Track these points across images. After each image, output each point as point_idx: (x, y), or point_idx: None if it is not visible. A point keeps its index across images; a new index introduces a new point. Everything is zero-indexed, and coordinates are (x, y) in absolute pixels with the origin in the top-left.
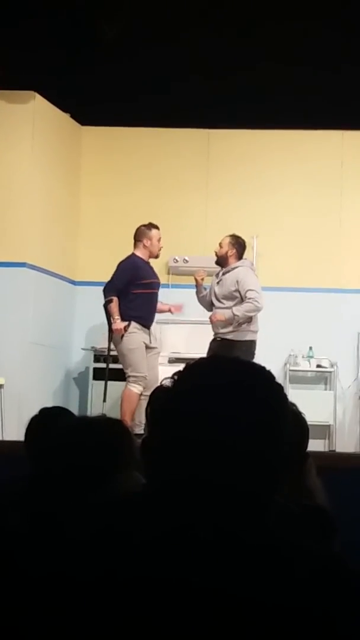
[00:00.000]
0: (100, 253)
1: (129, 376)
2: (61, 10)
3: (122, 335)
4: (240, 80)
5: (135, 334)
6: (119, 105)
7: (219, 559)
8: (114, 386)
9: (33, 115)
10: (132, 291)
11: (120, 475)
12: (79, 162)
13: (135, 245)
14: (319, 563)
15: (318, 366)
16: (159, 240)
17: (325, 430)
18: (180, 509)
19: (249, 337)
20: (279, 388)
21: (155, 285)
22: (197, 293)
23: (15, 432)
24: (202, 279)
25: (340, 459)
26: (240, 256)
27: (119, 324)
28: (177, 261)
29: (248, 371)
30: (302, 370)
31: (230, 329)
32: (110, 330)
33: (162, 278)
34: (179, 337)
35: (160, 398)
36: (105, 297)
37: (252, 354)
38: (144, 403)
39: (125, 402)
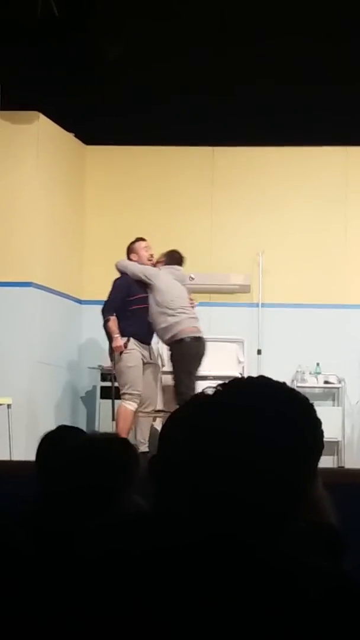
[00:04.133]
0: (106, 272)
1: (124, 393)
2: (64, 30)
3: (121, 353)
4: (244, 97)
5: (133, 351)
6: (122, 124)
7: (231, 579)
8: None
9: (37, 135)
10: (129, 308)
11: (124, 497)
12: (83, 181)
13: None
14: (329, 581)
15: (325, 382)
16: (145, 249)
17: (333, 447)
18: (198, 527)
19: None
20: (315, 417)
21: (145, 300)
22: None
23: (23, 451)
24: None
25: (349, 475)
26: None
27: (119, 341)
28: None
29: (288, 397)
30: (309, 386)
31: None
32: (111, 348)
33: None
34: None
35: (191, 413)
36: (103, 317)
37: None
38: (143, 420)
39: (121, 420)
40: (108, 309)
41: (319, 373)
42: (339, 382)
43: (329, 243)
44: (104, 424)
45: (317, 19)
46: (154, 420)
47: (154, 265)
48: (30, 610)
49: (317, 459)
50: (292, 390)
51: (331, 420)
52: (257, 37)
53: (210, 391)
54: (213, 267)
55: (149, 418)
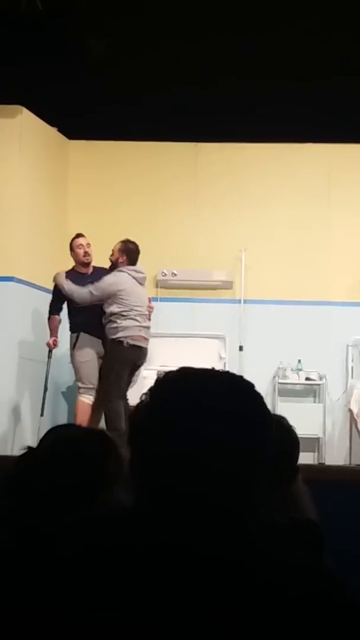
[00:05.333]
0: None
1: (79, 387)
2: (48, 24)
3: (74, 348)
4: (228, 93)
5: (84, 347)
6: (106, 119)
7: (202, 575)
8: None
9: (20, 130)
10: (71, 305)
11: (105, 491)
12: (66, 175)
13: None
14: (308, 578)
15: (307, 379)
16: (79, 247)
17: (314, 443)
18: (164, 525)
19: (114, 337)
20: (257, 398)
21: None
22: None
23: (5, 447)
24: None
25: (329, 471)
26: (131, 262)
27: (49, 340)
28: (165, 274)
29: (224, 382)
30: (291, 383)
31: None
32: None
33: (151, 292)
34: (166, 351)
35: (137, 414)
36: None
37: (117, 354)
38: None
39: (79, 413)
40: (51, 307)
41: (300, 370)
42: (321, 378)
43: (312, 240)
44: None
45: (303, 14)
46: None
47: (112, 264)
48: (10, 607)
49: (270, 441)
50: (225, 374)
51: (312, 417)
52: (242, 32)
53: (145, 397)
54: (196, 263)
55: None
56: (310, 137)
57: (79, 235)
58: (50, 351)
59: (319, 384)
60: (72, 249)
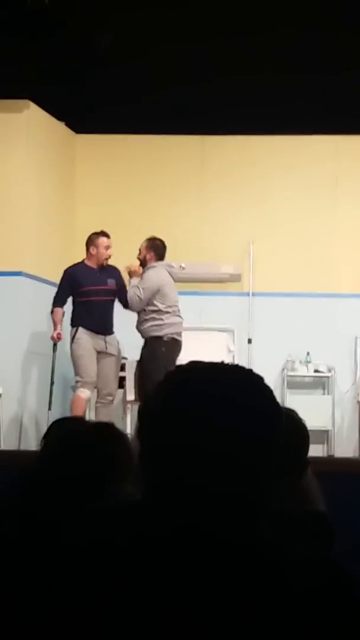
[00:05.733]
0: None
1: (77, 381)
2: (55, 19)
3: (72, 342)
4: (234, 86)
5: (81, 340)
6: (113, 113)
7: (212, 565)
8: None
9: (28, 124)
10: (76, 299)
11: (114, 484)
12: (73, 170)
13: (86, 253)
14: (317, 570)
15: (316, 371)
16: (106, 248)
17: (323, 436)
18: (173, 515)
19: (153, 334)
20: (267, 391)
21: (97, 292)
22: None
23: (13, 441)
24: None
25: (339, 464)
26: (159, 257)
27: (52, 333)
28: (173, 268)
29: (233, 375)
30: (299, 375)
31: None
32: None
33: None
34: None
35: (147, 407)
36: (52, 306)
37: (158, 352)
38: (101, 409)
39: (73, 406)
40: (54, 300)
41: (309, 362)
42: (329, 371)
43: (319, 232)
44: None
45: (306, 8)
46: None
47: (141, 262)
48: (17, 598)
49: (280, 432)
50: (235, 367)
51: (321, 409)
52: (248, 26)
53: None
54: (203, 256)
55: (105, 407)
56: (317, 129)
57: (105, 234)
58: (55, 344)
59: (327, 376)
60: (95, 245)
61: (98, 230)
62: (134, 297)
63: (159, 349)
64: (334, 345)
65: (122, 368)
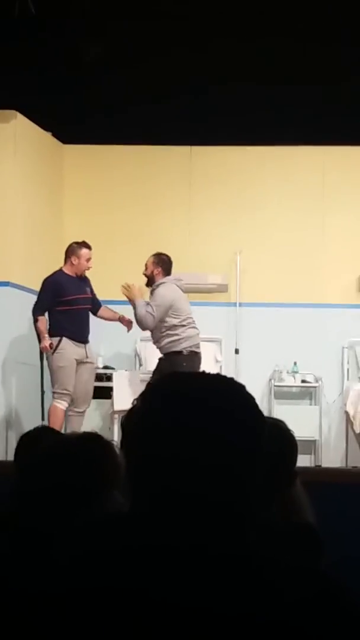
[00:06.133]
0: None
1: (54, 392)
2: (42, 29)
3: (54, 352)
4: (222, 96)
5: (64, 352)
6: (100, 123)
7: (200, 577)
8: (100, 404)
9: (15, 135)
10: (57, 308)
11: (103, 494)
12: (61, 180)
13: (64, 261)
14: (303, 579)
15: (303, 381)
16: (87, 260)
17: (310, 446)
18: (161, 527)
19: (173, 350)
20: (249, 399)
21: (80, 301)
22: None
23: (2, 452)
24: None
25: (326, 474)
26: (166, 272)
27: (46, 342)
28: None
29: (216, 384)
30: (287, 385)
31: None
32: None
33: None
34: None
35: (130, 419)
36: (33, 317)
37: (180, 367)
38: (73, 419)
39: (51, 418)
40: (37, 308)
41: (296, 372)
42: (316, 381)
43: (306, 242)
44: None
45: (296, 19)
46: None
47: (148, 277)
48: (7, 611)
49: (262, 439)
50: (215, 376)
51: (308, 420)
52: (236, 36)
53: (137, 402)
54: (191, 266)
55: (80, 417)
56: (305, 140)
57: (88, 246)
58: (42, 354)
59: (315, 386)
60: (77, 255)
61: (86, 240)
62: (147, 316)
63: (180, 364)
64: (321, 356)
65: (109, 378)
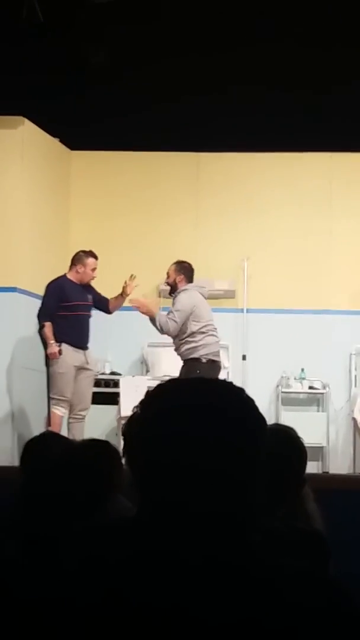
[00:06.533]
0: None
1: (52, 398)
2: (49, 35)
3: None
4: (229, 103)
5: (65, 358)
6: (107, 129)
7: (203, 583)
8: (106, 410)
9: (22, 140)
10: (59, 313)
11: (109, 500)
12: (68, 186)
13: (69, 268)
14: (309, 585)
15: (310, 388)
16: (93, 269)
17: (318, 452)
18: (165, 534)
19: (191, 356)
20: (248, 402)
21: (81, 307)
22: None
23: (5, 456)
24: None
25: (333, 480)
26: (188, 279)
27: (53, 348)
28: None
29: (214, 389)
30: (294, 392)
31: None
32: (47, 354)
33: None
34: (169, 361)
35: (131, 425)
36: (39, 322)
37: (194, 374)
38: (75, 425)
39: (52, 424)
40: (43, 314)
41: (303, 378)
42: (324, 387)
43: (313, 249)
44: (88, 430)
45: (303, 25)
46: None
47: (171, 285)
48: (12, 616)
49: (264, 445)
50: (215, 381)
51: (316, 426)
52: (243, 42)
53: (137, 409)
54: (198, 272)
55: (80, 423)
56: (311, 146)
57: (94, 255)
58: (48, 360)
59: (322, 393)
60: (84, 264)
61: (93, 247)
62: (168, 322)
63: (194, 371)
64: (329, 362)
65: (116, 384)
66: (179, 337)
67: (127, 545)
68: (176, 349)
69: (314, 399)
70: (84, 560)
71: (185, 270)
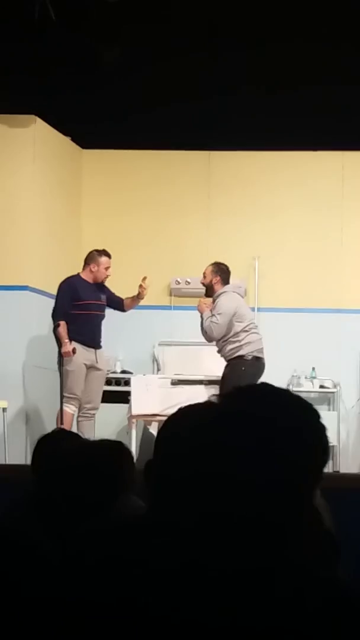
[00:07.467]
0: None
1: (63, 396)
2: (61, 34)
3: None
4: (241, 101)
5: (75, 356)
6: (119, 128)
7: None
8: (117, 408)
9: (34, 139)
10: (71, 312)
11: (120, 499)
12: (79, 185)
13: (83, 267)
14: (323, 588)
15: (321, 387)
16: (106, 268)
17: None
18: (211, 546)
19: (235, 355)
20: (306, 413)
21: (93, 306)
22: None
23: (18, 455)
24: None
25: (344, 480)
26: (225, 281)
27: (67, 347)
28: (179, 283)
29: (293, 404)
30: (305, 391)
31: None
32: (61, 354)
33: (164, 300)
34: (180, 359)
35: (172, 431)
36: (53, 321)
37: (239, 371)
38: (84, 423)
39: (63, 422)
40: (58, 314)
41: (314, 377)
42: (335, 386)
43: (325, 248)
44: (99, 429)
45: (312, 23)
46: (149, 424)
47: (207, 286)
48: (22, 615)
49: (323, 467)
50: (297, 397)
51: (326, 425)
52: (253, 41)
53: (213, 399)
54: None
55: (89, 421)
56: (323, 145)
57: (108, 254)
58: (61, 359)
59: (333, 392)
60: (97, 263)
61: (104, 246)
62: (211, 326)
63: (239, 368)
64: (340, 361)
65: (127, 383)
66: (223, 338)
67: (145, 547)
68: (219, 351)
69: (325, 398)
70: (102, 559)
71: (221, 272)
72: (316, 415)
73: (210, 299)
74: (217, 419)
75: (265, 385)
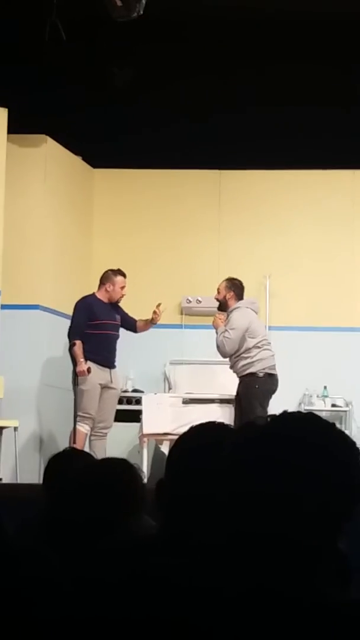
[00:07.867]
0: None
1: (77, 415)
2: (71, 54)
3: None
4: (251, 120)
5: (90, 375)
6: (130, 147)
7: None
8: (129, 427)
9: (45, 159)
10: (86, 331)
11: (133, 518)
12: (91, 204)
13: (98, 287)
14: (338, 608)
15: (333, 405)
16: (122, 287)
17: None
18: (218, 563)
19: (247, 372)
20: (335, 434)
21: (109, 326)
22: None
23: (30, 474)
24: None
25: None
26: (239, 297)
27: (82, 366)
28: (190, 302)
29: (337, 437)
30: (316, 409)
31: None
32: (76, 373)
33: (175, 319)
34: (191, 378)
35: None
36: (69, 340)
37: (253, 389)
38: (96, 443)
39: (77, 441)
40: (74, 333)
41: (326, 396)
42: (347, 405)
43: (336, 266)
44: (110, 448)
45: (322, 42)
46: (161, 443)
47: (221, 302)
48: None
49: (356, 482)
50: (342, 432)
51: None
52: (264, 60)
53: (260, 421)
54: None
55: (102, 440)
56: (334, 164)
57: (123, 274)
58: (76, 378)
59: (345, 411)
60: (112, 283)
61: (116, 265)
62: (224, 341)
63: (253, 386)
64: (352, 380)
65: (138, 402)
66: (235, 354)
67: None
68: (232, 366)
69: (337, 417)
70: (123, 578)
71: (235, 287)
72: (344, 438)
73: (225, 314)
74: (263, 437)
75: (314, 414)
